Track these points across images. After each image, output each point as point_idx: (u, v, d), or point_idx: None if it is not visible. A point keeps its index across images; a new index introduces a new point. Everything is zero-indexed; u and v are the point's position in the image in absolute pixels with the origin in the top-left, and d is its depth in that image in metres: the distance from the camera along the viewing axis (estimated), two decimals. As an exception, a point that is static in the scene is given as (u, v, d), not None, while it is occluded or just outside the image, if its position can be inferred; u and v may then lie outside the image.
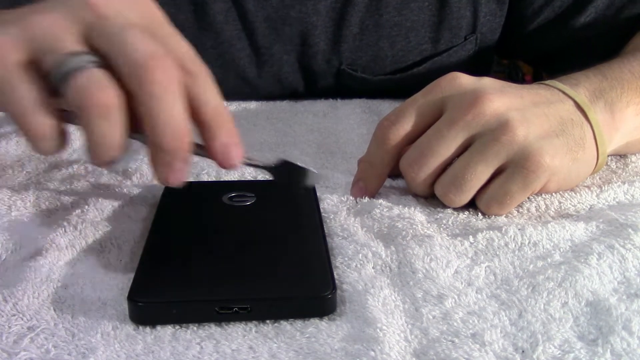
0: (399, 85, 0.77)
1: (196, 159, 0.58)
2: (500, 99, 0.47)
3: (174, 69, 0.38)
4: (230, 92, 0.76)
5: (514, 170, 0.46)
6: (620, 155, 0.59)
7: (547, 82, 0.52)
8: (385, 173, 0.51)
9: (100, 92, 0.36)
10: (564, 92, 0.51)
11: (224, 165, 0.40)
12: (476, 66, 0.78)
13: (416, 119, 0.49)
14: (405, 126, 0.49)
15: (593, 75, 0.53)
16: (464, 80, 0.49)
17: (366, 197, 0.51)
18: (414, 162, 0.48)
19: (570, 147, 0.48)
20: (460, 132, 0.47)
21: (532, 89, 0.50)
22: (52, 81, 0.38)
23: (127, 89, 0.37)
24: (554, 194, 0.51)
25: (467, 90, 0.48)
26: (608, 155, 0.55)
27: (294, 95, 0.78)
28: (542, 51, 0.79)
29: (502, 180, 0.47)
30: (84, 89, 0.37)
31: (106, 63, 0.38)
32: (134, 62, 0.37)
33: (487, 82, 0.49)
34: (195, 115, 0.39)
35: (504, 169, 0.47)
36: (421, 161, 0.48)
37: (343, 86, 0.77)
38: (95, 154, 0.38)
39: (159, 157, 0.38)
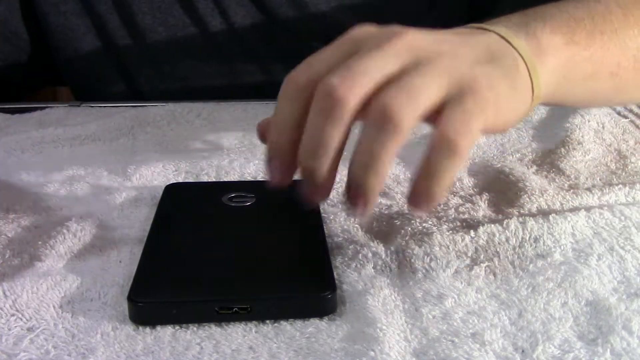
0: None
1: (196, 158, 0.58)
2: (419, 33, 0.41)
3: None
4: (212, 75, 0.76)
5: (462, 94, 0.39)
6: (620, 156, 0.59)
7: (462, 26, 0.47)
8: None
9: None
10: (483, 28, 0.46)
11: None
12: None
13: (329, 61, 0.40)
14: (317, 68, 0.39)
15: (513, 16, 0.49)
16: (375, 28, 0.42)
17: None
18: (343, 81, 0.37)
19: (505, 73, 0.42)
20: (391, 58, 0.39)
21: (448, 30, 0.45)
22: None
23: None
24: (554, 194, 0.51)
25: (382, 30, 0.41)
26: (553, 104, 0.52)
27: (275, 81, 0.78)
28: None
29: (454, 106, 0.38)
30: None
31: None
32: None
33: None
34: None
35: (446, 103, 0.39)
36: (355, 79, 0.37)
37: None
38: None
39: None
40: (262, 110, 0.72)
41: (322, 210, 0.49)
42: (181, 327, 0.37)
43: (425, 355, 0.35)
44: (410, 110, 0.37)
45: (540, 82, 0.46)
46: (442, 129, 0.37)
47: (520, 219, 0.46)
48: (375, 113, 0.37)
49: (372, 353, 0.34)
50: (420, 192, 0.37)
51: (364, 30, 0.41)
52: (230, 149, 0.62)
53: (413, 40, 0.40)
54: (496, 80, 0.41)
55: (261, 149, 0.62)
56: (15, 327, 0.37)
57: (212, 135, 0.66)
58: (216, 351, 0.35)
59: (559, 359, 0.34)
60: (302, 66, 0.40)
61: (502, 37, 0.45)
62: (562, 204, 0.50)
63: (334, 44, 0.41)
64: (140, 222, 0.48)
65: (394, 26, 0.42)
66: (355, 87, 0.37)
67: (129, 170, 0.56)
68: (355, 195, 0.38)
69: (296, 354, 0.35)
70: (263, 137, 0.43)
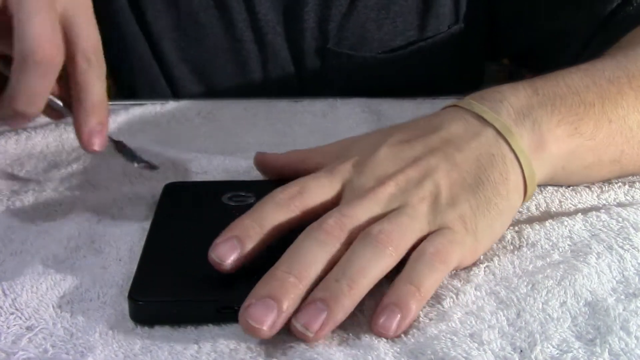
0: (385, 66, 0.77)
1: (196, 156, 0.58)
2: (402, 175, 0.42)
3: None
4: (223, 64, 0.76)
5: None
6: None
7: (465, 102, 0.46)
8: (270, 240, 0.41)
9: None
10: (482, 118, 0.45)
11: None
12: (463, 58, 0.79)
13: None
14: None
15: (523, 89, 0.47)
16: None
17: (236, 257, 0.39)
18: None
19: (489, 199, 0.42)
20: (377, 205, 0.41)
21: (442, 128, 0.45)
22: None
23: None
24: (553, 192, 0.50)
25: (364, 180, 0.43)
26: (548, 185, 0.50)
27: (283, 75, 0.78)
28: (519, 48, 0.79)
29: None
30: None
31: None
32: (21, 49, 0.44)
33: (382, 155, 0.44)
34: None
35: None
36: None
37: (329, 67, 0.78)
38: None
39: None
40: (262, 108, 0.72)
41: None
42: (180, 327, 0.37)
43: (423, 355, 0.35)
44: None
45: (535, 180, 0.45)
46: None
47: (516, 228, 0.45)
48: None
49: (369, 358, 0.35)
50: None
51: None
52: (231, 148, 0.62)
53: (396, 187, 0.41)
54: (477, 219, 0.42)
55: (261, 147, 0.62)
56: (14, 325, 0.37)
57: (212, 133, 0.66)
58: (214, 350, 0.35)
59: (557, 359, 0.34)
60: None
61: (499, 134, 0.44)
62: (560, 202, 0.50)
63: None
64: (140, 220, 0.48)
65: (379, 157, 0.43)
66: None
67: (129, 170, 0.56)
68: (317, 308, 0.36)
69: (294, 354, 0.35)
70: (261, 166, 0.52)
